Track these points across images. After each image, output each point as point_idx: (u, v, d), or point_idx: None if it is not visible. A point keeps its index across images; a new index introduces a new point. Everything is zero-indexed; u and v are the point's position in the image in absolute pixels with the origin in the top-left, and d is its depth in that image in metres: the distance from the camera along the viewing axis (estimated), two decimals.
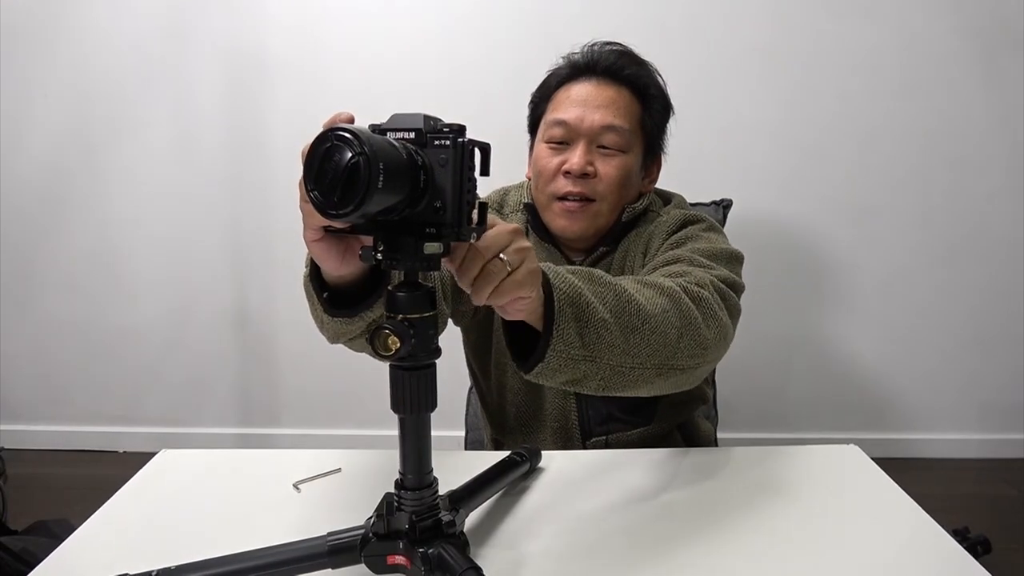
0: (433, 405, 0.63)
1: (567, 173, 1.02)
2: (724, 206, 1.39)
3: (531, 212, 1.10)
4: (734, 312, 0.89)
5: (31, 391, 2.41)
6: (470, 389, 1.42)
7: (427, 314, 0.60)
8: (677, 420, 1.13)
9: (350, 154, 0.49)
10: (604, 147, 1.03)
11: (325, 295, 0.74)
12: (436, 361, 0.62)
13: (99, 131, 2.22)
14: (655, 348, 0.73)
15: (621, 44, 1.08)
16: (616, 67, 1.05)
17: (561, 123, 1.03)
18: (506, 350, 1.09)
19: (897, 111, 2.16)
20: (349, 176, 0.49)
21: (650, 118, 1.07)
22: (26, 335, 2.36)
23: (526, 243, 0.63)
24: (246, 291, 2.32)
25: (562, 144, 1.04)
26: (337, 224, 0.57)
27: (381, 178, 0.49)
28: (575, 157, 1.02)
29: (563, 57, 1.10)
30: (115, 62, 2.17)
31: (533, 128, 1.12)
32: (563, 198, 1.03)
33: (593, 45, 1.08)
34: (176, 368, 2.38)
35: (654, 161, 1.12)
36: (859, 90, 2.15)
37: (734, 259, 0.99)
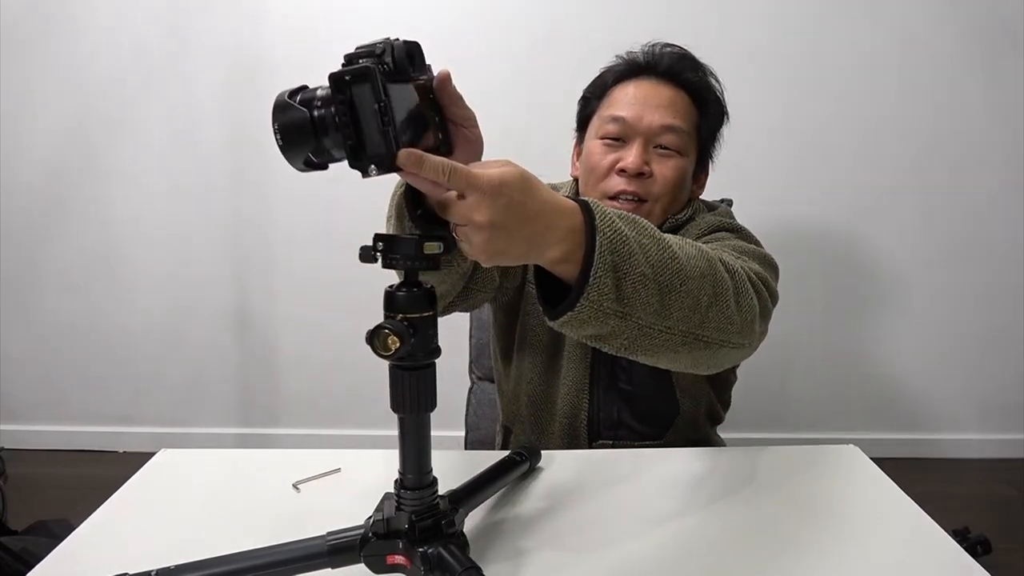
0: (433, 405, 0.63)
1: (622, 171, 0.99)
2: (725, 205, 1.39)
3: None
4: (764, 307, 0.82)
5: (31, 391, 2.41)
6: (470, 389, 1.42)
7: (427, 314, 0.60)
8: (690, 437, 1.11)
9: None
10: (662, 147, 1.00)
11: (420, 212, 0.69)
12: (436, 361, 0.62)
13: (99, 131, 2.22)
14: (686, 313, 0.68)
15: (681, 47, 1.07)
16: (677, 69, 1.03)
17: (618, 120, 1.01)
18: (530, 336, 1.10)
19: (897, 111, 2.16)
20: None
21: (706, 124, 1.05)
22: (26, 335, 2.36)
23: (485, 215, 0.56)
24: (246, 291, 2.32)
25: (617, 141, 1.01)
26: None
27: (278, 136, 0.57)
28: (631, 156, 0.99)
29: (618, 56, 1.08)
30: (115, 62, 2.17)
31: (582, 125, 1.10)
32: (615, 197, 1.00)
33: (654, 46, 1.06)
34: (176, 368, 2.38)
35: (703, 169, 1.10)
36: (859, 90, 2.15)
37: (768, 264, 0.94)
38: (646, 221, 0.68)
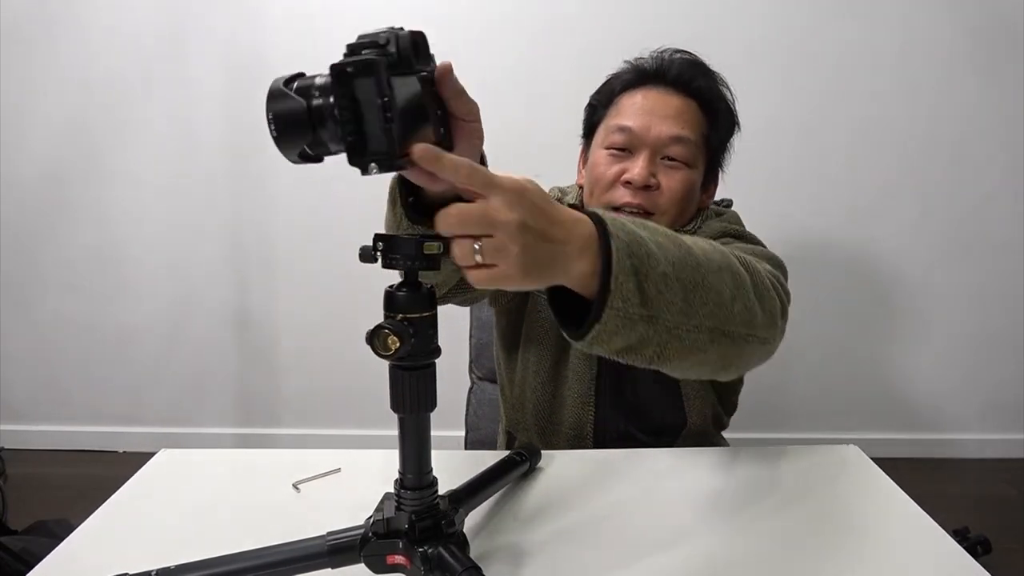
0: (433, 405, 0.63)
1: (627, 183, 0.97)
2: (724, 206, 1.39)
3: None
4: (783, 304, 0.80)
5: (31, 391, 2.41)
6: (470, 389, 1.42)
7: (427, 314, 0.60)
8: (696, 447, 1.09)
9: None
10: (669, 159, 0.98)
11: (411, 199, 0.68)
12: (436, 361, 0.62)
13: (100, 131, 2.22)
14: (711, 308, 0.65)
15: (692, 53, 1.04)
16: (686, 77, 1.00)
17: (625, 130, 0.98)
18: (535, 342, 1.08)
19: (896, 111, 2.16)
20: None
21: (716, 133, 1.03)
22: (26, 335, 2.36)
23: (516, 214, 0.53)
24: (246, 291, 2.32)
25: (623, 151, 0.99)
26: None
27: (272, 127, 0.55)
28: (637, 167, 0.96)
29: (627, 61, 1.05)
30: (116, 62, 2.17)
31: (589, 133, 1.07)
32: (619, 208, 0.97)
33: (663, 52, 1.02)
34: (176, 368, 2.38)
35: (713, 179, 1.08)
36: (858, 90, 2.15)
37: (777, 264, 0.93)
38: (654, 223, 0.67)
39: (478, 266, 0.54)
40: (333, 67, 0.52)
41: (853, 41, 2.12)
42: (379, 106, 0.52)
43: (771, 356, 0.81)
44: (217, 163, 2.23)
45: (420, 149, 0.53)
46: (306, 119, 0.54)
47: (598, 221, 0.59)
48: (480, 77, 2.08)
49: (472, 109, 0.63)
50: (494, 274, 0.54)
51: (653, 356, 0.64)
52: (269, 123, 0.55)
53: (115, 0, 2.13)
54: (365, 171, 0.54)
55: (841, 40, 2.12)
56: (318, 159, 0.57)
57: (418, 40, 0.56)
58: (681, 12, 2.10)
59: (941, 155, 2.19)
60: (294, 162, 0.58)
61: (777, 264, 0.93)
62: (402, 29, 0.55)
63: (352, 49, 0.54)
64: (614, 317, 0.59)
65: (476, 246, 0.53)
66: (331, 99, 0.53)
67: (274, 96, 0.55)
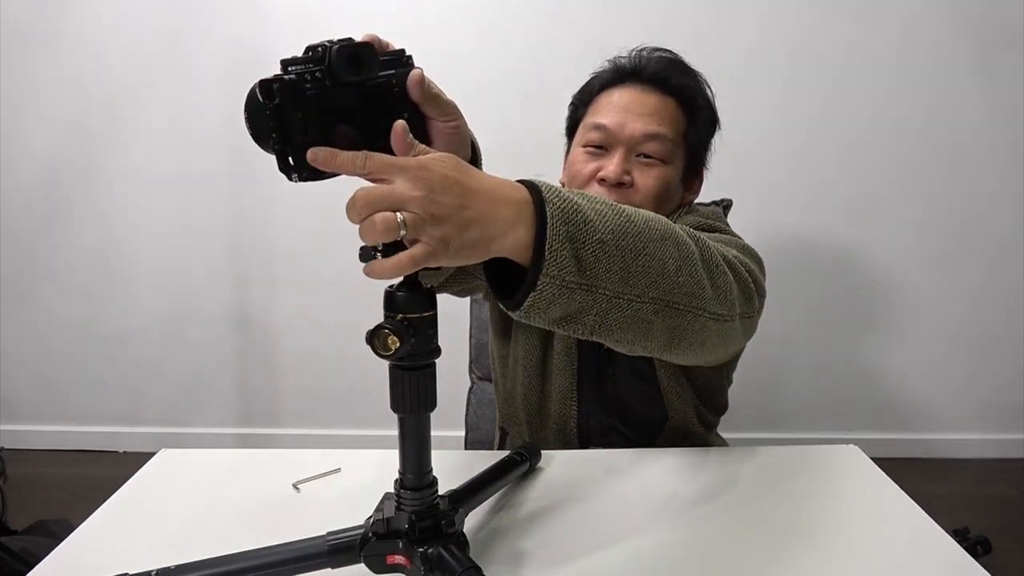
0: (433, 405, 0.63)
1: (602, 181, 0.97)
2: (724, 206, 1.39)
3: None
4: (745, 287, 0.78)
5: (31, 391, 2.41)
6: (470, 389, 1.42)
7: (427, 314, 0.60)
8: (683, 443, 1.08)
9: None
10: (644, 155, 0.98)
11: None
12: (436, 361, 0.62)
13: (99, 131, 2.22)
14: (653, 278, 0.64)
15: (671, 51, 1.04)
16: (664, 75, 1.00)
17: (600, 127, 0.99)
18: (524, 336, 1.08)
19: (895, 111, 2.16)
20: None
21: (695, 131, 1.02)
22: (26, 335, 2.36)
23: (419, 189, 0.52)
24: (246, 291, 2.32)
25: (599, 149, 1.00)
26: None
27: (246, 120, 0.57)
28: (611, 165, 0.97)
29: (608, 60, 1.05)
30: (115, 62, 2.17)
31: (571, 131, 1.08)
32: None
33: (641, 50, 1.03)
34: (176, 368, 2.38)
35: (696, 175, 1.08)
36: (858, 90, 2.15)
37: (750, 254, 0.90)
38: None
39: (402, 251, 0.53)
40: (261, 81, 0.54)
41: (853, 41, 2.12)
42: (298, 121, 0.54)
43: (735, 342, 0.79)
44: (217, 163, 2.23)
45: (312, 154, 0.55)
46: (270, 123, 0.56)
47: (532, 188, 0.59)
48: (479, 76, 2.10)
49: (448, 110, 0.63)
50: (416, 254, 0.53)
51: (594, 326, 0.63)
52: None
53: (115, 0, 2.14)
54: (290, 179, 0.57)
55: (841, 40, 2.12)
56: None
57: (359, 52, 0.56)
58: (681, 12, 2.10)
59: (941, 155, 2.19)
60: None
61: (750, 254, 0.91)
62: (344, 41, 0.56)
63: (285, 65, 0.55)
64: (550, 285, 0.57)
65: (399, 218, 0.51)
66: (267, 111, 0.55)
67: (250, 99, 0.57)
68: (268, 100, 0.54)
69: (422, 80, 0.62)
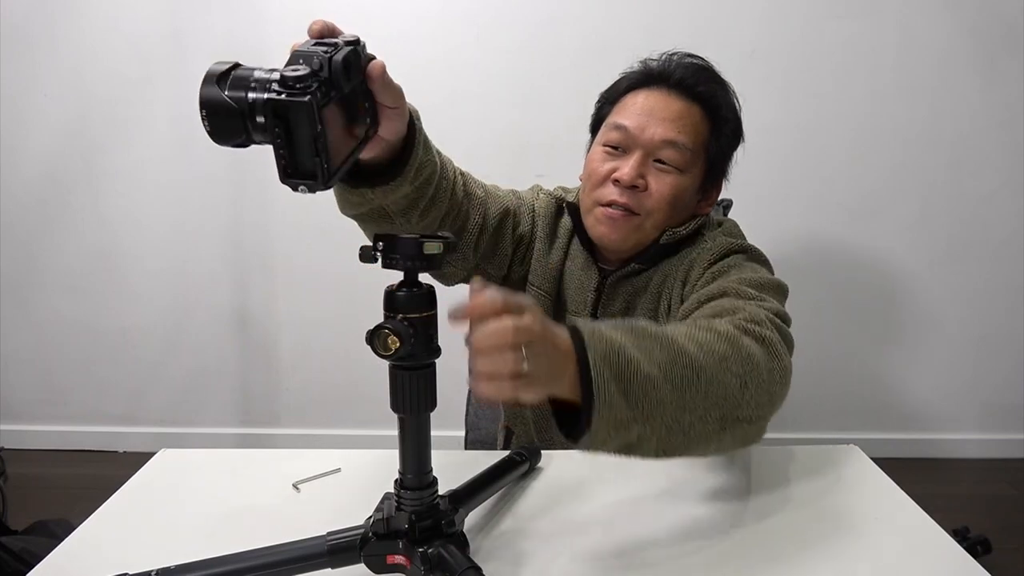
0: (433, 405, 0.63)
1: (616, 182, 0.97)
2: (724, 206, 1.39)
3: (573, 213, 1.05)
4: (791, 349, 0.84)
5: (31, 391, 2.41)
6: (470, 389, 1.42)
7: (427, 314, 0.60)
8: None
9: None
10: (661, 162, 0.97)
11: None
12: (436, 361, 0.62)
13: (100, 131, 2.22)
14: (715, 400, 0.67)
15: (702, 59, 1.03)
16: (691, 81, 0.99)
17: (621, 128, 0.98)
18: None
19: (895, 111, 2.16)
20: None
21: (717, 141, 1.01)
22: (27, 335, 2.36)
23: (531, 327, 0.57)
24: (246, 291, 2.32)
25: (617, 150, 0.99)
26: None
27: (204, 118, 0.55)
28: (627, 167, 0.96)
29: (640, 61, 1.04)
30: (115, 62, 2.17)
31: (595, 128, 1.08)
32: (607, 205, 0.97)
33: (672, 55, 1.02)
34: (176, 368, 2.38)
35: (714, 185, 1.06)
36: (858, 90, 2.15)
37: (781, 291, 0.94)
38: (646, 322, 0.69)
39: (508, 377, 0.56)
40: (269, 101, 0.53)
41: (853, 41, 2.12)
42: (311, 137, 0.53)
43: None
44: (217, 163, 2.23)
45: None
46: (241, 126, 0.55)
47: (575, 333, 0.62)
48: (479, 77, 2.09)
49: (396, 98, 0.66)
50: (524, 382, 0.57)
51: (658, 450, 0.66)
52: (203, 120, 0.55)
53: (115, 0, 2.14)
54: (295, 190, 0.56)
55: (841, 40, 2.12)
56: (244, 145, 0.58)
57: (350, 60, 0.57)
58: (681, 12, 2.10)
59: (941, 155, 2.19)
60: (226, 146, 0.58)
61: (780, 291, 0.94)
62: (337, 50, 0.56)
63: (284, 80, 0.53)
64: (603, 424, 0.62)
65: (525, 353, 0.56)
66: (264, 119, 0.54)
67: (207, 102, 0.55)
68: (278, 119, 0.53)
69: (383, 71, 0.63)
